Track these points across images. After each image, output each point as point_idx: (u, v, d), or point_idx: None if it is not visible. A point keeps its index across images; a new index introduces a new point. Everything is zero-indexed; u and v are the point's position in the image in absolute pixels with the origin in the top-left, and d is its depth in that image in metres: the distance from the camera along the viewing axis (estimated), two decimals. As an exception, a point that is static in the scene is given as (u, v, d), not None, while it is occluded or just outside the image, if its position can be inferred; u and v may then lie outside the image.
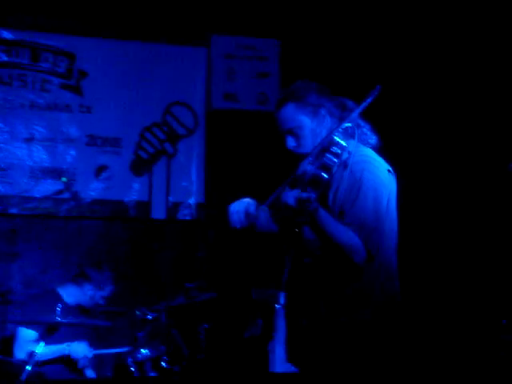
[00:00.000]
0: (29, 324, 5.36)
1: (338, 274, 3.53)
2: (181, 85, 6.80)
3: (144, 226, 6.69)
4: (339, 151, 3.45)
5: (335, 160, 3.43)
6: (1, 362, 5.19)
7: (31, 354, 4.86)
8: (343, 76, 6.39)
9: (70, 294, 5.62)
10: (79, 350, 5.42)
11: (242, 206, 3.60)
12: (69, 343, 5.40)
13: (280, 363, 4.38)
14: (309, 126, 3.61)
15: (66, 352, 5.39)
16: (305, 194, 3.28)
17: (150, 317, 5.34)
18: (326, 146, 3.47)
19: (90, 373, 5.53)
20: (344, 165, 3.51)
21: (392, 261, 3.63)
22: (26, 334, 5.41)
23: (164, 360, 5.21)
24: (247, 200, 3.62)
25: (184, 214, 6.75)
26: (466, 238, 6.37)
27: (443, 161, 6.47)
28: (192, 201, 6.79)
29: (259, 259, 6.04)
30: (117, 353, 5.68)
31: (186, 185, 6.79)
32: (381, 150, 3.66)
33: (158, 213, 6.68)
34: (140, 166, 6.69)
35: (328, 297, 3.56)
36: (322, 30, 6.80)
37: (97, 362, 5.72)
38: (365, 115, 3.64)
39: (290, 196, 3.33)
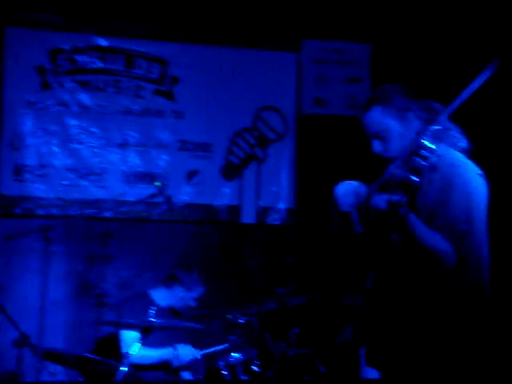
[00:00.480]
0: (123, 327, 5.36)
1: (426, 279, 3.48)
2: (271, 90, 6.82)
3: (234, 229, 6.73)
4: (428, 154, 3.37)
5: (424, 163, 3.36)
6: (96, 363, 5.14)
7: (126, 356, 4.84)
8: (433, 79, 6.32)
9: (162, 297, 5.65)
10: (186, 352, 5.43)
11: (351, 187, 3.55)
12: (175, 345, 5.41)
13: (371, 369, 4.34)
14: (396, 129, 3.59)
15: (171, 356, 5.40)
16: (395, 197, 3.25)
17: (241, 321, 5.34)
18: (415, 149, 3.41)
19: (186, 375, 5.53)
20: (433, 168, 3.45)
21: (484, 271, 3.56)
22: (130, 335, 5.44)
23: (255, 364, 5.21)
24: (354, 182, 3.56)
25: (274, 219, 6.79)
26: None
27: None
28: (282, 205, 6.82)
29: (349, 263, 6.00)
30: (220, 351, 5.59)
31: (275, 189, 6.81)
32: (470, 155, 3.62)
33: (248, 217, 6.73)
34: (230, 171, 6.74)
35: (412, 303, 3.50)
36: (413, 34, 6.72)
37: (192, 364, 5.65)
38: (454, 118, 3.55)
39: (381, 199, 3.31)
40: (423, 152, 3.37)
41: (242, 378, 5.15)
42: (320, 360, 5.48)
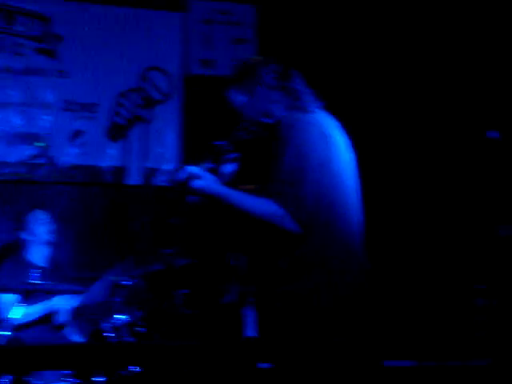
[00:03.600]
0: (5, 290, 5.32)
1: (275, 246, 3.51)
2: (157, 50, 6.75)
3: (120, 191, 6.66)
4: (270, 120, 3.51)
5: (260, 130, 3.53)
6: None
7: (6, 320, 4.89)
8: (319, 43, 6.52)
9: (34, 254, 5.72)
10: (63, 302, 5.47)
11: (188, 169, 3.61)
12: (49, 298, 5.44)
13: (251, 328, 4.39)
14: (249, 102, 3.63)
15: (51, 308, 5.45)
16: (191, 169, 3.43)
17: (126, 283, 5.25)
18: (257, 116, 3.56)
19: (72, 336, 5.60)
20: (274, 132, 3.53)
21: (341, 232, 3.54)
22: (7, 298, 5.41)
23: (140, 325, 5.18)
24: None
25: (160, 180, 6.72)
26: (437, 207, 6.54)
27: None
28: (168, 167, 6.75)
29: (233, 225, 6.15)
30: (98, 303, 5.60)
31: (162, 151, 6.76)
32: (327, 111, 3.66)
33: (134, 178, 6.65)
34: (116, 132, 6.64)
35: (270, 268, 3.55)
36: None
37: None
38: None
39: (181, 172, 3.46)
40: (263, 120, 3.51)
41: (127, 339, 5.11)
42: (207, 320, 5.52)
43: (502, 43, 6.39)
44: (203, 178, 3.42)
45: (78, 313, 5.56)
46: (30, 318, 5.32)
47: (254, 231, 3.57)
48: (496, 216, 5.66)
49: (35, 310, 5.35)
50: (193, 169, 3.46)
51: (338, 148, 3.54)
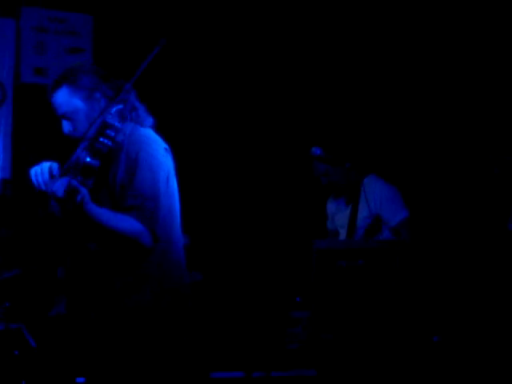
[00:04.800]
0: None
1: (124, 260, 3.50)
2: None
3: None
4: (113, 133, 3.44)
5: (109, 143, 3.43)
6: None
7: None
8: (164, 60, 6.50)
9: None
10: None
11: (45, 167, 3.49)
12: None
13: None
14: (83, 109, 3.58)
15: None
16: (73, 182, 3.28)
17: None
18: (100, 129, 3.46)
19: None
20: (120, 146, 3.52)
21: (176, 240, 3.62)
22: None
23: None
24: (49, 162, 3.53)
25: None
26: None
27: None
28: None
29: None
30: None
31: None
32: (156, 130, 3.71)
33: None
34: None
35: (113, 282, 3.51)
36: (133, 8, 6.78)
37: None
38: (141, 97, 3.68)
39: (59, 184, 3.30)
40: (108, 132, 3.42)
41: None
42: (31, 334, 5.32)
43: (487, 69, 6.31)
44: (83, 192, 3.30)
45: None
46: None
47: (106, 245, 3.54)
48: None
49: None
50: (73, 181, 3.32)
51: (171, 160, 3.60)
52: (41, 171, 3.48)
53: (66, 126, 3.59)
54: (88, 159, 3.39)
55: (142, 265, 3.48)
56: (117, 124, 3.47)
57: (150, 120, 3.69)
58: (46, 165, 3.50)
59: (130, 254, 3.47)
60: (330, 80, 6.81)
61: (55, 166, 3.49)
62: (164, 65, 5.87)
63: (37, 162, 6.14)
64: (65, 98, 3.57)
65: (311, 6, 6.58)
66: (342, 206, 5.72)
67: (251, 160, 6.89)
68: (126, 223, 3.41)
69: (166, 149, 3.62)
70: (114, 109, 3.53)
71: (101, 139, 3.42)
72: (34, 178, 3.48)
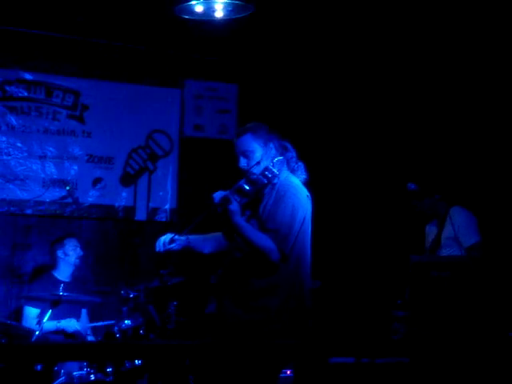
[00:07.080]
0: (36, 300, 5.61)
1: (260, 268, 3.72)
2: (161, 117, 6.95)
3: (129, 225, 6.83)
4: (270, 175, 3.75)
5: (264, 181, 3.71)
6: (15, 328, 5.43)
7: (39, 322, 5.26)
8: (289, 117, 6.73)
9: (60, 272, 5.93)
10: (70, 324, 5.68)
11: (167, 237, 3.94)
12: (59, 320, 5.63)
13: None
14: (259, 152, 3.82)
15: (60, 327, 5.61)
16: (226, 194, 3.62)
17: (131, 295, 5.45)
18: (263, 169, 3.78)
19: (90, 338, 5.82)
20: (273, 186, 3.81)
21: (304, 265, 3.81)
22: (30, 311, 5.74)
23: (142, 329, 5.37)
24: (169, 234, 3.97)
25: (161, 217, 6.91)
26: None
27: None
28: (167, 206, 6.92)
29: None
30: (105, 325, 5.84)
31: (162, 194, 6.92)
32: (306, 183, 3.95)
33: (141, 215, 6.84)
34: (127, 179, 6.81)
35: (252, 284, 3.72)
36: (273, 78, 7.04)
37: (92, 331, 6.01)
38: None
39: (218, 194, 3.71)
40: (266, 173, 3.75)
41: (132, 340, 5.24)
42: (193, 326, 5.56)
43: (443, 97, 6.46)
44: (233, 203, 3.56)
45: (82, 333, 5.72)
46: (47, 330, 5.47)
47: (247, 255, 3.71)
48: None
49: (49, 325, 5.48)
50: (228, 194, 3.60)
51: (310, 206, 3.88)
52: (164, 242, 3.89)
53: (242, 161, 3.84)
54: (243, 184, 3.72)
55: (274, 275, 3.68)
56: (274, 170, 3.74)
57: (303, 176, 3.92)
58: (167, 236, 3.93)
59: (265, 264, 3.68)
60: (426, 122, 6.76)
61: (169, 236, 3.91)
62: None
63: (195, 197, 6.45)
64: (247, 141, 3.82)
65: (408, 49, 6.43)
66: (433, 229, 5.83)
67: (368, 194, 7.00)
68: (262, 239, 3.64)
69: (308, 196, 3.85)
70: (277, 159, 3.78)
71: (260, 176, 3.72)
72: (157, 243, 3.92)
